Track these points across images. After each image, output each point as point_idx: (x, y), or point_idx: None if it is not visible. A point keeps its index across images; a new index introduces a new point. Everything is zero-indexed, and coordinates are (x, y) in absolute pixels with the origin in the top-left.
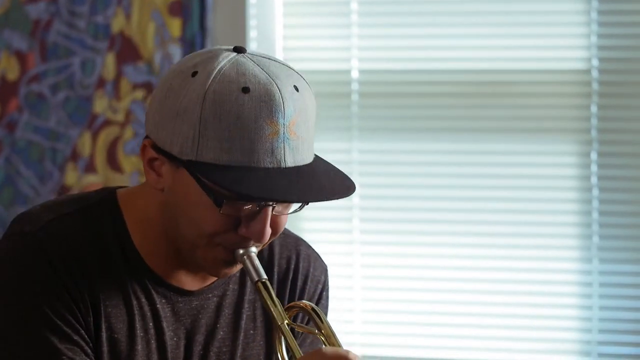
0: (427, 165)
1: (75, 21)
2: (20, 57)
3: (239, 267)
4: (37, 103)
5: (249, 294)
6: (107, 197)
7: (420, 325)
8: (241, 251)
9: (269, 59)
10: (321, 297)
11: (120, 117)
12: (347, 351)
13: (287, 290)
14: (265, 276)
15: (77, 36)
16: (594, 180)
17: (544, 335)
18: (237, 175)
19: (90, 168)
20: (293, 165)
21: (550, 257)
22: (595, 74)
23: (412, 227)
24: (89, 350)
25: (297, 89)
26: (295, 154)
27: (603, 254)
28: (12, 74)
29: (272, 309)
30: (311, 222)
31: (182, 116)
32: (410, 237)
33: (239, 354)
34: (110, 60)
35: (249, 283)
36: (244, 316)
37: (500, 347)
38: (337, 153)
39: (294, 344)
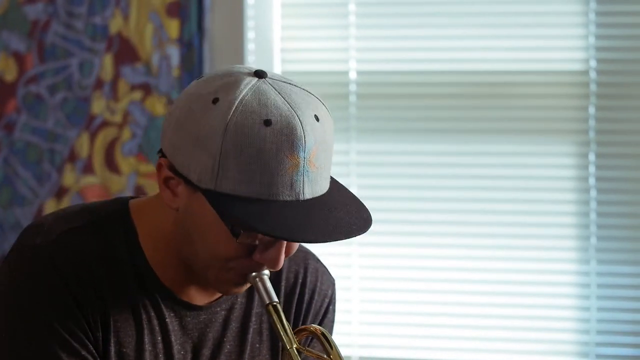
0: (425, 166)
1: (73, 22)
2: (18, 58)
3: (248, 285)
4: (35, 104)
5: (256, 307)
6: (119, 209)
7: (418, 326)
8: (254, 274)
9: (290, 83)
10: (327, 311)
11: (118, 118)
12: None
13: (294, 304)
14: (276, 299)
15: (75, 37)
16: (591, 181)
17: (541, 337)
18: (256, 209)
19: (88, 169)
20: (311, 197)
21: (547, 258)
22: (593, 75)
23: (410, 228)
24: None
25: (317, 119)
26: (314, 185)
27: (601, 255)
28: (10, 75)
29: (281, 333)
30: None
31: (202, 144)
32: (408, 238)
33: None
34: (108, 61)
35: (257, 296)
36: (251, 329)
37: (498, 348)
38: (335, 154)
39: None
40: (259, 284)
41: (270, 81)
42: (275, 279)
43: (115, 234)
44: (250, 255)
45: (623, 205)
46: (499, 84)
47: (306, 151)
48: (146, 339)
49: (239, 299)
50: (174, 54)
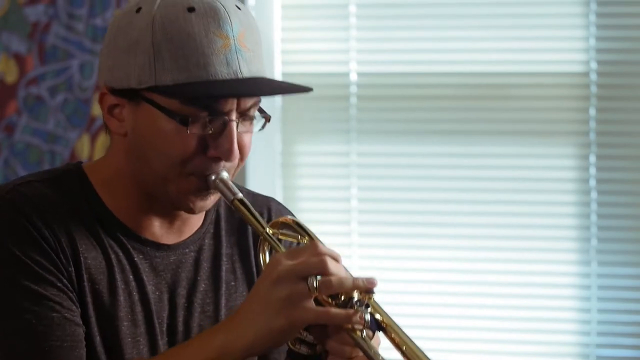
0: (425, 167)
1: (74, 24)
2: (19, 59)
3: (212, 198)
4: (36, 105)
5: (225, 248)
6: (73, 168)
7: (418, 328)
8: (213, 177)
9: None
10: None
11: None
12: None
13: None
14: (240, 194)
15: (75, 39)
16: (592, 182)
17: (542, 338)
18: (198, 88)
19: None
20: (249, 76)
21: (548, 259)
22: (593, 76)
23: (410, 229)
24: (74, 298)
25: (239, 8)
26: (250, 65)
27: (601, 256)
28: (11, 77)
29: (253, 222)
30: (309, 224)
31: (134, 48)
32: (409, 239)
33: (223, 304)
34: None
35: (224, 238)
36: (223, 269)
37: (498, 350)
38: (336, 156)
39: (280, 247)
40: (221, 185)
41: None
42: (240, 223)
43: (71, 185)
44: (205, 153)
45: (623, 206)
46: (500, 86)
47: (234, 30)
48: (118, 277)
49: (206, 241)
50: None
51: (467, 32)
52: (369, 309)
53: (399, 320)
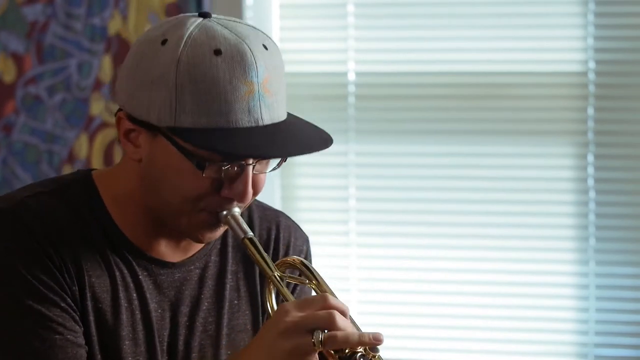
0: (423, 167)
1: (72, 23)
2: (17, 59)
3: (222, 230)
4: (34, 105)
5: (230, 265)
6: (82, 178)
7: (417, 327)
8: (225, 212)
9: (235, 21)
10: None
11: None
12: (328, 297)
13: None
14: (251, 233)
15: (73, 38)
16: (590, 182)
17: (540, 338)
18: (217, 136)
19: None
20: (270, 122)
21: (546, 259)
22: (591, 76)
23: (408, 229)
24: (77, 318)
25: (266, 48)
26: (271, 111)
27: (599, 256)
28: (9, 76)
29: (261, 263)
30: (307, 224)
31: (157, 84)
32: (407, 239)
33: (225, 324)
34: (106, 62)
35: (230, 254)
36: (227, 287)
37: (496, 349)
38: (334, 155)
39: (287, 292)
40: (232, 221)
41: (215, 19)
42: None
43: (79, 198)
44: (219, 192)
45: (622, 206)
46: (498, 85)
47: (259, 76)
48: (121, 295)
49: (212, 258)
50: None
51: (465, 31)
52: None
53: (396, 320)
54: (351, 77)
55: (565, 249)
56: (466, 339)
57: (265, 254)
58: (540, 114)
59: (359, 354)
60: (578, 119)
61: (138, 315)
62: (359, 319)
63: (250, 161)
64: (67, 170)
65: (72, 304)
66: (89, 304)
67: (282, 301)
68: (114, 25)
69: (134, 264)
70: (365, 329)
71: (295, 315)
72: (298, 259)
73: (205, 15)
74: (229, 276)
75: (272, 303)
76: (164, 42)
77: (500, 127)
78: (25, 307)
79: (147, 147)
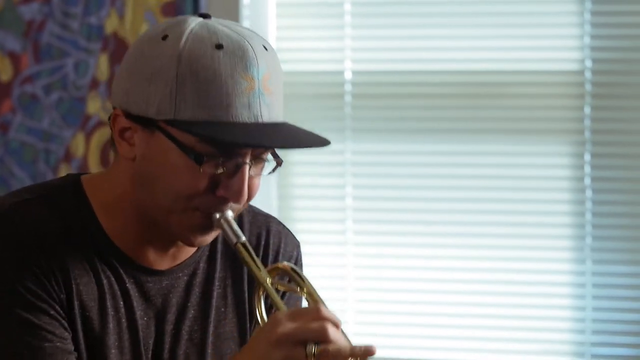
0: (420, 166)
1: (69, 22)
2: (14, 58)
3: (214, 234)
4: (31, 104)
5: (219, 272)
6: (71, 183)
7: (413, 326)
8: (218, 215)
9: (235, 24)
10: None
11: None
12: (320, 309)
13: None
14: (244, 238)
15: (70, 37)
16: (587, 181)
17: (537, 336)
18: (217, 128)
19: (83, 169)
20: (269, 121)
21: (543, 258)
22: (588, 75)
23: (405, 228)
24: (66, 324)
25: (266, 49)
26: (270, 110)
27: (596, 255)
28: (6, 75)
29: (254, 269)
30: (304, 223)
31: (157, 77)
32: (404, 238)
33: (211, 332)
34: (103, 61)
35: (219, 260)
36: (215, 294)
37: (493, 348)
38: (330, 154)
39: (280, 300)
40: (225, 225)
41: (215, 19)
42: None
43: (67, 204)
44: (213, 192)
45: (618, 205)
46: (495, 84)
47: (260, 73)
48: (108, 304)
49: (200, 264)
50: None
51: (461, 30)
52: None
53: (393, 319)
54: (348, 75)
55: (562, 248)
56: (462, 337)
57: (258, 260)
58: (537, 112)
59: None
60: (575, 117)
61: (124, 324)
62: (355, 319)
63: (247, 159)
64: (63, 168)
65: (61, 312)
66: (77, 312)
67: (273, 308)
68: (111, 24)
69: (122, 271)
70: (361, 328)
71: (287, 326)
72: (289, 265)
73: (204, 16)
74: (217, 283)
75: (262, 311)
76: (164, 37)
77: (497, 126)
78: (14, 316)
79: (142, 144)
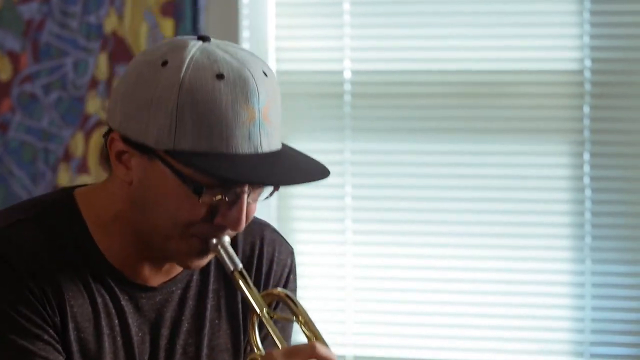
0: (419, 165)
1: (68, 21)
2: (13, 57)
3: (209, 257)
4: (30, 103)
5: (212, 283)
6: (64, 198)
7: (413, 325)
8: (215, 241)
9: (234, 47)
10: (288, 281)
11: None
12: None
13: (252, 276)
14: (241, 265)
15: (69, 36)
16: (586, 180)
17: (536, 336)
18: (217, 161)
19: (83, 168)
20: (268, 150)
21: (542, 257)
22: (587, 74)
23: (404, 227)
24: (60, 348)
25: (265, 75)
26: (270, 139)
27: (595, 254)
28: (5, 74)
29: (250, 298)
30: (303, 223)
31: (157, 105)
32: (403, 237)
33: (205, 344)
34: (102, 60)
35: (212, 272)
36: (209, 306)
37: (492, 348)
38: (330, 153)
39: (276, 331)
40: (222, 252)
41: (214, 43)
42: None
43: (60, 223)
44: (212, 220)
45: (618, 204)
46: (494, 84)
47: (260, 103)
48: (103, 323)
49: (194, 277)
50: None
51: (460, 29)
52: None
53: (392, 319)
54: (347, 75)
55: (561, 247)
56: (462, 337)
57: (254, 289)
58: (536, 112)
59: None
60: (574, 117)
61: (119, 342)
62: (355, 318)
63: (246, 189)
64: (63, 168)
65: (55, 336)
66: (72, 334)
67: (268, 336)
68: (110, 24)
69: (116, 289)
70: (360, 328)
71: None
72: (284, 292)
73: (204, 38)
74: (210, 295)
75: (256, 339)
76: (164, 63)
77: (496, 125)
78: (8, 342)
79: (140, 170)
